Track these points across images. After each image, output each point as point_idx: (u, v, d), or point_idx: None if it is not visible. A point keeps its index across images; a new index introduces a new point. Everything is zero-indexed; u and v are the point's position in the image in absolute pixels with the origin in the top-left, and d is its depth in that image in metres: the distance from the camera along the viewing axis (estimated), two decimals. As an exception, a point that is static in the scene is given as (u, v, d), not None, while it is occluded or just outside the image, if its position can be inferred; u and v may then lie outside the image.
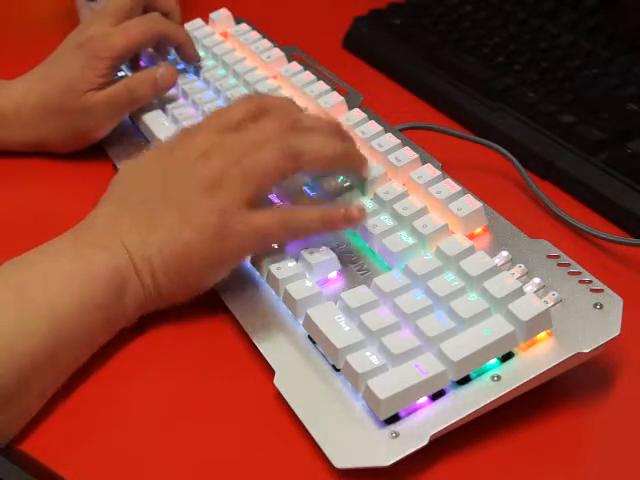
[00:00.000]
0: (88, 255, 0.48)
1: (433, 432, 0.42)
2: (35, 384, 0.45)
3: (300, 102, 0.64)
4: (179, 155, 0.51)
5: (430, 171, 0.55)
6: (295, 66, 0.68)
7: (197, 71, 0.70)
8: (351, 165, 0.54)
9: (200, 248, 0.49)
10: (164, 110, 0.66)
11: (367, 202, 0.54)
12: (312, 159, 0.51)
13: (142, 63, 0.69)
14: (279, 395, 0.46)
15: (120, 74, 0.66)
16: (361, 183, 0.55)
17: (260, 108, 0.53)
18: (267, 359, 0.47)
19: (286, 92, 0.65)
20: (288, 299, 0.49)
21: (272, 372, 0.47)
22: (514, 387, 0.43)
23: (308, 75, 0.66)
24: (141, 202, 0.50)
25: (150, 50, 0.68)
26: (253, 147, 0.50)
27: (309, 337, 0.48)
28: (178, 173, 0.51)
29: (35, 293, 0.46)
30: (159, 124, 0.64)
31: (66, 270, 0.47)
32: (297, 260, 0.51)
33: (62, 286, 0.47)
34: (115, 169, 0.64)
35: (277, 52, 0.70)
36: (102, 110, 0.62)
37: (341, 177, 0.56)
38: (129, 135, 0.67)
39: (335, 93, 0.64)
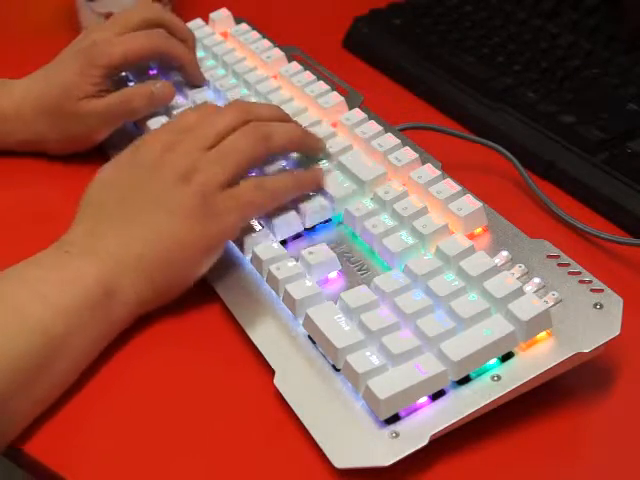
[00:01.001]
0: (73, 265, 0.48)
1: (433, 432, 0.42)
2: (31, 394, 0.44)
3: (300, 102, 0.64)
4: (146, 155, 0.52)
5: (430, 171, 0.55)
6: (295, 66, 0.68)
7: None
8: (313, 145, 0.56)
9: (190, 235, 0.49)
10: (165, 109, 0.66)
11: (367, 201, 0.54)
12: (281, 140, 0.53)
13: (151, 72, 0.69)
14: (279, 395, 0.46)
15: (130, 84, 0.65)
16: (362, 185, 0.55)
17: (214, 110, 0.54)
18: (267, 359, 0.47)
19: (286, 92, 0.65)
20: (288, 299, 0.49)
21: (272, 372, 0.47)
22: (514, 387, 0.43)
23: (308, 75, 0.66)
24: (117, 206, 0.50)
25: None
26: (224, 132, 0.51)
27: (309, 337, 0.48)
28: (149, 170, 0.51)
29: (24, 305, 0.45)
30: (159, 124, 0.64)
31: (53, 278, 0.47)
32: (297, 260, 0.51)
33: (51, 295, 0.46)
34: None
35: (277, 52, 0.70)
36: (96, 118, 0.62)
37: (340, 178, 0.56)
38: (129, 135, 0.66)
39: (335, 93, 0.64)
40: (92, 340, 0.48)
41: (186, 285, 0.51)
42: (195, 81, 0.67)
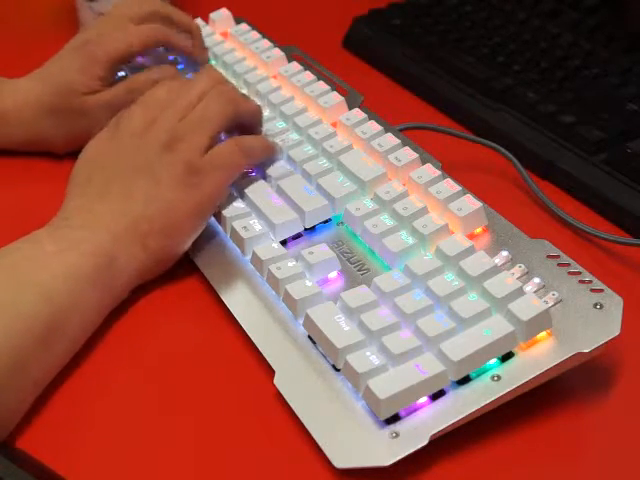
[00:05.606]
0: (71, 239, 0.49)
1: (433, 432, 0.42)
2: (31, 371, 0.45)
3: (300, 102, 0.64)
4: (127, 131, 0.53)
5: (430, 171, 0.55)
6: (295, 66, 0.68)
7: (197, 71, 0.70)
8: (259, 119, 0.60)
9: (180, 201, 0.51)
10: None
11: (367, 201, 0.54)
12: (244, 103, 0.57)
13: (139, 60, 0.69)
14: (279, 395, 0.46)
15: (120, 74, 0.65)
16: (362, 185, 0.55)
17: (181, 82, 0.57)
18: (267, 359, 0.47)
19: (286, 92, 0.65)
20: (288, 299, 0.49)
21: (272, 372, 0.47)
22: (514, 387, 0.43)
23: (308, 75, 0.66)
24: (106, 181, 0.52)
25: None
26: (196, 100, 0.54)
27: (309, 337, 0.48)
28: (133, 144, 0.53)
29: (26, 273, 0.47)
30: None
31: (50, 250, 0.48)
32: (297, 260, 0.51)
33: (50, 265, 0.47)
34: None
35: (277, 52, 0.70)
36: (102, 113, 0.62)
37: (340, 178, 0.56)
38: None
39: (335, 93, 0.64)
40: (96, 308, 0.49)
41: (181, 251, 0.53)
42: (201, 62, 0.68)
